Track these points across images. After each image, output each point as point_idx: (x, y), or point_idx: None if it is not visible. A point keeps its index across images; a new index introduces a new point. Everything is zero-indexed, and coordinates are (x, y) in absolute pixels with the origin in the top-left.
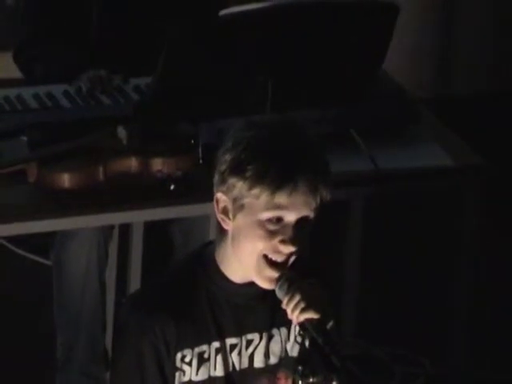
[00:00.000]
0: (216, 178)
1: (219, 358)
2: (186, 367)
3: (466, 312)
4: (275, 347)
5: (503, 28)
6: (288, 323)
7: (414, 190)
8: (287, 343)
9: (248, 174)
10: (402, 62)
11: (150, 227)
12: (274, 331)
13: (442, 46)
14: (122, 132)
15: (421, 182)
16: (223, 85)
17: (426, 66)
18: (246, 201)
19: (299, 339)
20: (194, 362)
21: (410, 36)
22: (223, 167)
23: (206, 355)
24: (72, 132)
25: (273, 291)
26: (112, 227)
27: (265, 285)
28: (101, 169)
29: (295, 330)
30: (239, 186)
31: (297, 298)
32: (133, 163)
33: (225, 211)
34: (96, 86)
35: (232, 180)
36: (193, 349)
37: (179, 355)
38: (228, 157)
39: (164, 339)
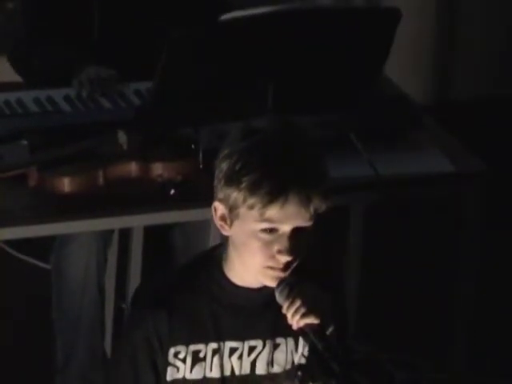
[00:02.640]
0: (215, 184)
1: (216, 359)
2: (179, 363)
3: (466, 316)
4: (280, 357)
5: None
6: (295, 335)
7: (415, 195)
8: (294, 355)
9: (243, 185)
10: (402, 67)
11: (150, 232)
12: (280, 340)
13: (442, 52)
14: (122, 137)
15: (421, 187)
16: (224, 89)
17: (427, 72)
18: (241, 210)
19: (306, 353)
20: (189, 360)
21: (409, 41)
22: (220, 175)
23: (201, 354)
24: (72, 136)
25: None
26: (112, 232)
27: (267, 282)
28: (101, 173)
29: (303, 342)
30: (234, 195)
31: (297, 303)
32: (133, 168)
33: (223, 218)
34: (96, 88)
35: (228, 190)
36: (187, 346)
37: (172, 350)
38: (224, 166)
39: (157, 333)
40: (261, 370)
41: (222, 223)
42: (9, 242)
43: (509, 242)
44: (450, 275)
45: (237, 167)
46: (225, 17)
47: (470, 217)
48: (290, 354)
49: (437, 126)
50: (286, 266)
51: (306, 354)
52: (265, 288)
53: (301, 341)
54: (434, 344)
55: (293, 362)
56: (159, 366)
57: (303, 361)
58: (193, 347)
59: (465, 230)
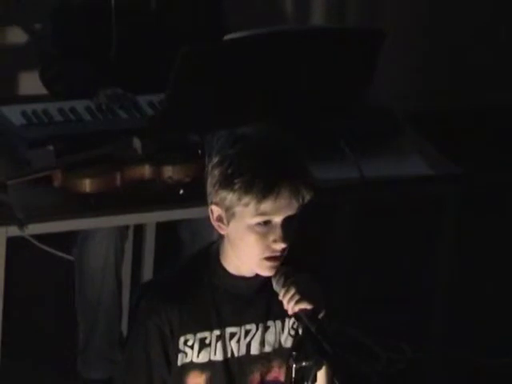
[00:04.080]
0: (208, 190)
1: (219, 344)
2: (188, 350)
3: (444, 300)
4: (270, 337)
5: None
6: (282, 317)
7: (397, 195)
8: (281, 335)
9: (236, 186)
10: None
11: (162, 227)
12: (270, 323)
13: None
14: (137, 143)
15: (402, 188)
16: (227, 100)
17: (413, 83)
18: (237, 209)
19: (292, 332)
20: (196, 346)
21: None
22: (213, 181)
23: (207, 341)
24: (93, 142)
25: (269, 286)
26: (127, 227)
27: (265, 273)
28: (118, 175)
29: (289, 323)
30: (229, 197)
31: (292, 290)
32: (146, 170)
33: (220, 219)
34: (114, 102)
35: (223, 193)
36: (195, 334)
37: (182, 339)
38: (216, 172)
39: (168, 323)
40: (255, 350)
41: (219, 223)
42: (37, 237)
43: (481, 235)
44: (427, 266)
45: (229, 171)
46: (228, 36)
47: (447, 216)
48: (278, 334)
49: (417, 134)
50: (281, 252)
51: (291, 333)
52: (257, 276)
53: (286, 323)
54: (414, 326)
55: (280, 342)
56: (170, 353)
57: (289, 340)
58: (200, 335)
59: (442, 226)
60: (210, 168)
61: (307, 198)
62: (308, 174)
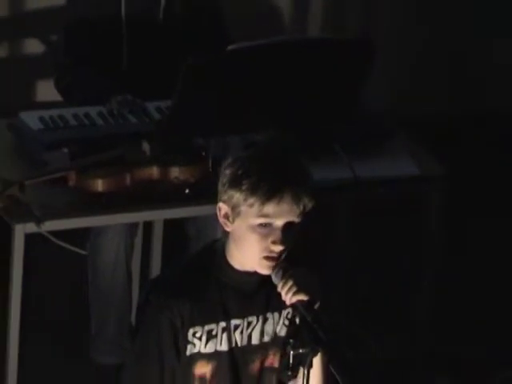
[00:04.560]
0: (219, 188)
1: (224, 335)
2: (196, 341)
3: (429, 295)
4: (269, 328)
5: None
6: (279, 309)
7: (387, 194)
8: (277, 326)
9: (244, 187)
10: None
11: (169, 224)
12: (269, 315)
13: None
14: (145, 145)
15: (392, 188)
16: (230, 107)
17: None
18: (242, 208)
19: (286, 322)
20: (204, 338)
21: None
22: (224, 180)
23: (214, 332)
24: (104, 145)
25: (269, 281)
26: (137, 224)
27: (264, 271)
28: (128, 176)
29: (284, 314)
30: (237, 196)
31: (290, 283)
32: (154, 171)
33: (226, 216)
34: (124, 108)
35: (231, 192)
36: (203, 326)
37: (191, 331)
38: (228, 172)
39: (180, 317)
40: (255, 340)
41: (225, 221)
42: (53, 233)
43: (463, 231)
44: (415, 258)
45: (239, 172)
46: (231, 46)
47: (433, 213)
48: (275, 325)
49: (407, 137)
50: (279, 254)
51: (285, 323)
52: (258, 272)
53: (283, 314)
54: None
55: (275, 332)
56: (179, 344)
57: (284, 329)
58: (207, 327)
59: (428, 222)
60: (222, 168)
61: (309, 206)
62: (310, 183)
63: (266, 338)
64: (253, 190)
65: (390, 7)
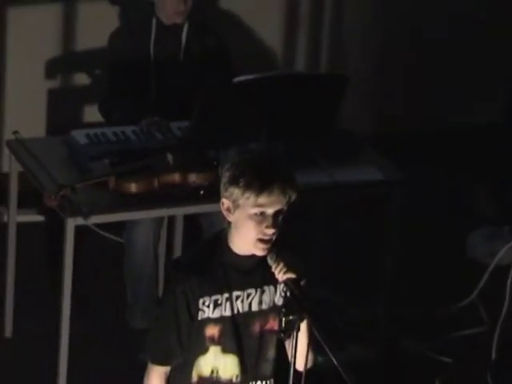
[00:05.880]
0: (221, 188)
1: (228, 304)
2: (205, 308)
3: (390, 274)
4: (266, 298)
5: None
6: (274, 283)
7: (359, 195)
8: (275, 296)
9: (241, 184)
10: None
11: (188, 218)
12: (265, 288)
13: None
14: (169, 156)
15: (362, 190)
16: (235, 127)
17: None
18: (240, 201)
19: (283, 294)
20: (211, 306)
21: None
22: (225, 180)
23: (219, 301)
24: (137, 156)
25: (264, 262)
26: (162, 218)
27: (259, 253)
28: (155, 180)
29: (280, 288)
30: (235, 192)
31: (281, 264)
32: (176, 177)
33: (228, 209)
34: (152, 127)
35: (231, 188)
36: (210, 297)
37: (201, 300)
38: (228, 173)
39: (191, 290)
40: (255, 307)
41: (227, 213)
42: (96, 225)
43: (416, 223)
44: (377, 249)
45: (236, 173)
46: (236, 79)
47: (395, 209)
48: (272, 296)
49: (373, 150)
50: (271, 236)
51: (282, 295)
52: (254, 255)
53: (278, 288)
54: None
55: (274, 301)
56: (192, 310)
57: (281, 300)
58: (214, 297)
59: (390, 216)
60: (223, 171)
61: (293, 196)
62: (293, 178)
63: (264, 306)
64: (248, 186)
65: (358, 50)
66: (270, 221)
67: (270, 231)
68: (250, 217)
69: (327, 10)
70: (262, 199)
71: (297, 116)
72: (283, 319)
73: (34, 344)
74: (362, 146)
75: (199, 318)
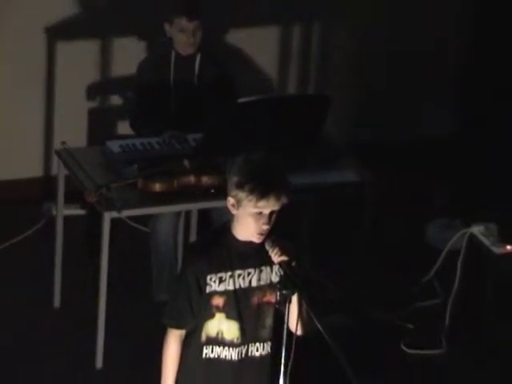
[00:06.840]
0: (228, 188)
1: (231, 280)
2: (212, 283)
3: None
4: (264, 276)
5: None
6: (271, 265)
7: (339, 194)
8: (271, 275)
9: (245, 189)
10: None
11: (201, 212)
12: (263, 268)
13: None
14: (186, 162)
15: (342, 189)
16: (239, 138)
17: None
18: (244, 202)
19: (278, 273)
20: (217, 281)
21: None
22: (232, 182)
23: (223, 278)
24: (160, 162)
25: (261, 247)
26: (181, 212)
27: (256, 240)
28: (175, 181)
29: (275, 269)
30: (240, 194)
31: (276, 248)
32: (192, 179)
33: (233, 205)
34: (173, 139)
35: (236, 191)
36: (216, 274)
37: (208, 277)
38: (234, 179)
39: (201, 269)
40: (254, 283)
41: (232, 208)
42: (128, 217)
43: (384, 217)
44: (354, 236)
45: (242, 180)
46: (240, 100)
47: (368, 207)
48: (269, 274)
49: (352, 156)
50: (266, 231)
51: (277, 274)
52: (253, 242)
53: (274, 268)
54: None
55: (270, 279)
56: (201, 285)
57: (277, 278)
58: (219, 275)
59: (364, 213)
60: (230, 173)
61: (285, 201)
62: (286, 186)
63: (262, 282)
64: (251, 192)
65: (341, 72)
66: (265, 219)
67: (265, 227)
68: (250, 215)
69: (314, 45)
70: (261, 203)
71: (289, 128)
72: (277, 293)
73: (77, 314)
74: (342, 152)
75: (207, 291)
